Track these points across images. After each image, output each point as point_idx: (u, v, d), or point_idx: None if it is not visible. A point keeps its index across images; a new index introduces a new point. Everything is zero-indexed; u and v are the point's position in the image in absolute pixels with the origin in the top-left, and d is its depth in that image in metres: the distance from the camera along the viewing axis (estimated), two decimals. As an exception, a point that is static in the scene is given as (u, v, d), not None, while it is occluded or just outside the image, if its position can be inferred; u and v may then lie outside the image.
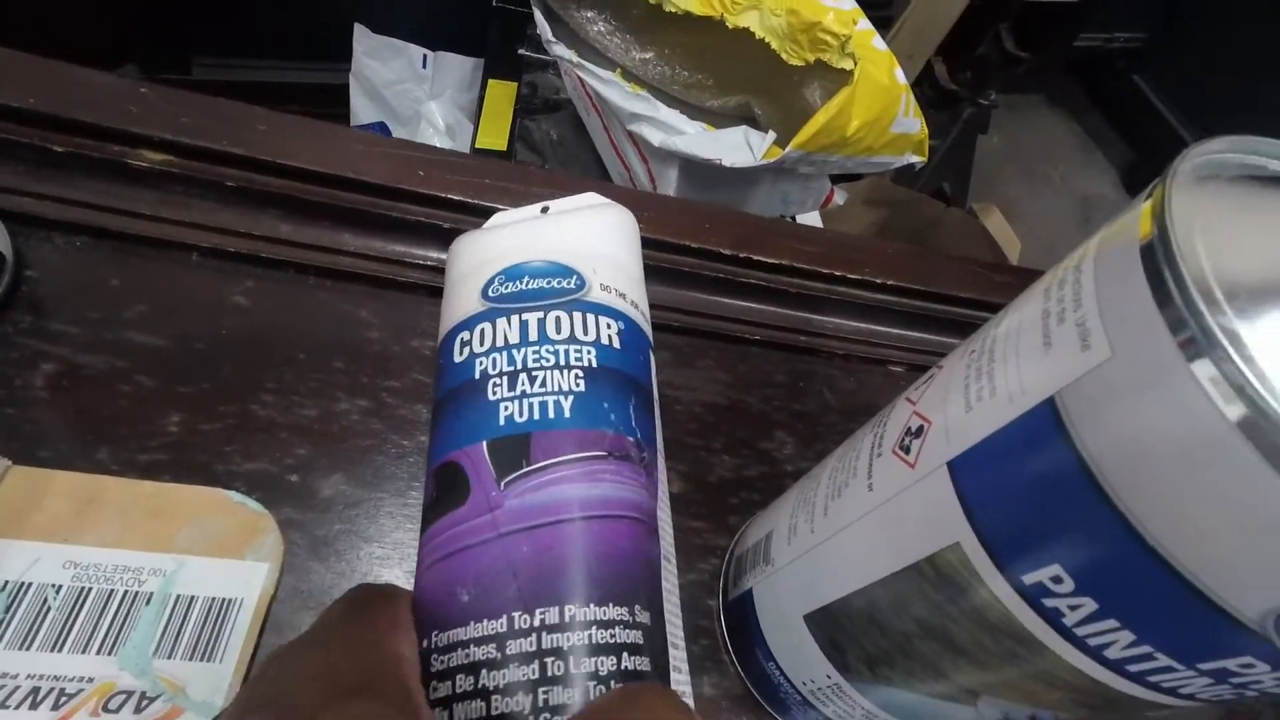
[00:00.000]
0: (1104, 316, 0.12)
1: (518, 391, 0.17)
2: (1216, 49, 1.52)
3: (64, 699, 0.19)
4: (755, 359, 0.32)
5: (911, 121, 0.59)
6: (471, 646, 0.14)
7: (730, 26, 0.52)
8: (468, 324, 0.18)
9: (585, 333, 0.18)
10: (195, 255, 0.27)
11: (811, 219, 0.64)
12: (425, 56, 0.87)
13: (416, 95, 0.89)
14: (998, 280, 0.36)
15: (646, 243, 0.31)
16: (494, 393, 0.17)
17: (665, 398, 0.30)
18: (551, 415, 0.16)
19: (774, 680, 0.23)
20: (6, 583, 0.20)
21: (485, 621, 0.14)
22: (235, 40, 0.94)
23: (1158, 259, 0.11)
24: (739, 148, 0.55)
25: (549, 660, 0.14)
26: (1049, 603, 0.13)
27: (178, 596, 0.21)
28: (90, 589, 0.21)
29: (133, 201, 0.27)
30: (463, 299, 0.19)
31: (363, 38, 0.87)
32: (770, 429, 0.30)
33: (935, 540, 0.15)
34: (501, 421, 0.16)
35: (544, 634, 0.14)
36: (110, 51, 0.86)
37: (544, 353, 0.17)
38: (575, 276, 0.19)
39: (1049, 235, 1.44)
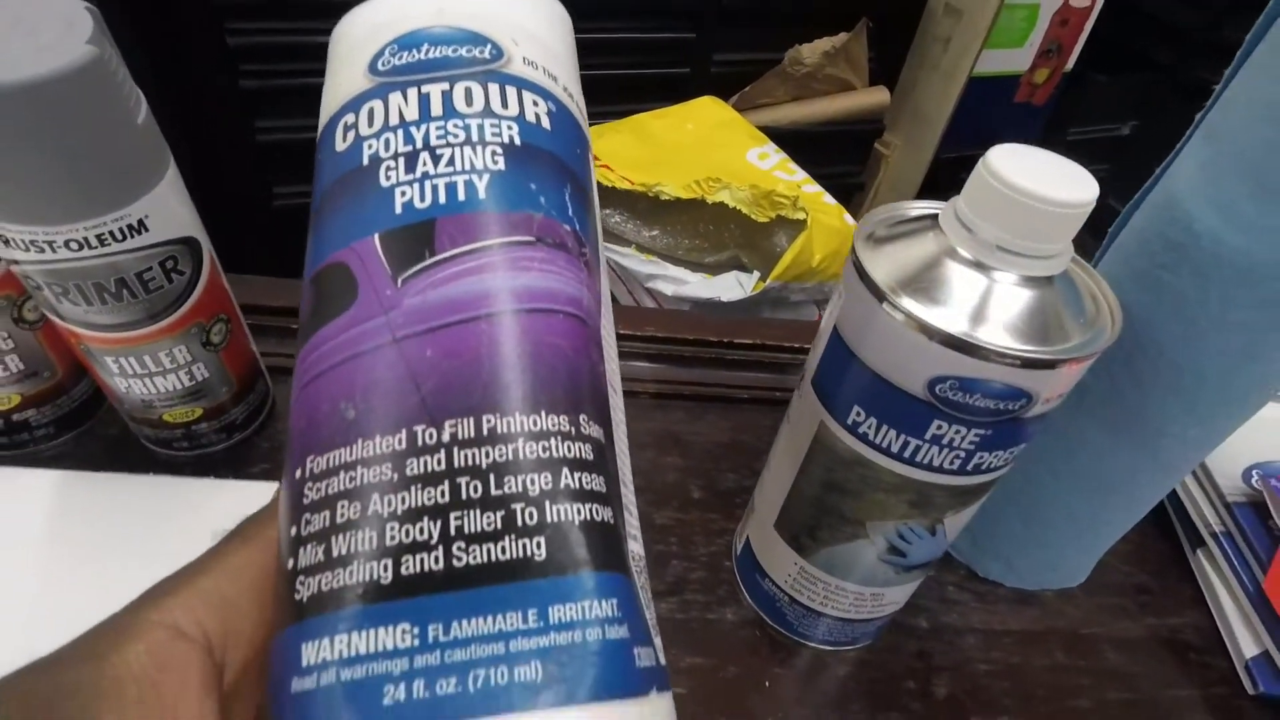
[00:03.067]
0: (846, 288, 0.26)
1: (418, 174, 0.14)
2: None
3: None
4: (747, 411, 0.45)
5: (866, 252, 0.75)
6: (359, 469, 0.11)
7: (710, 202, 0.70)
8: (352, 105, 0.15)
9: (505, 106, 0.15)
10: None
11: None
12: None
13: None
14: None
15: (658, 340, 0.46)
16: (387, 177, 0.14)
17: (686, 439, 0.43)
18: (463, 197, 0.13)
19: (768, 592, 0.34)
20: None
21: (378, 438, 0.12)
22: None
23: (854, 264, 0.25)
24: (733, 287, 0.71)
25: (463, 481, 0.11)
26: (862, 430, 0.26)
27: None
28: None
29: (335, 351, 0.43)
30: (344, 81, 0.16)
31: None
32: (761, 454, 0.43)
33: (813, 425, 0.28)
34: (398, 209, 0.13)
35: (456, 450, 0.11)
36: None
37: (451, 128, 0.14)
38: (490, 45, 0.15)
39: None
